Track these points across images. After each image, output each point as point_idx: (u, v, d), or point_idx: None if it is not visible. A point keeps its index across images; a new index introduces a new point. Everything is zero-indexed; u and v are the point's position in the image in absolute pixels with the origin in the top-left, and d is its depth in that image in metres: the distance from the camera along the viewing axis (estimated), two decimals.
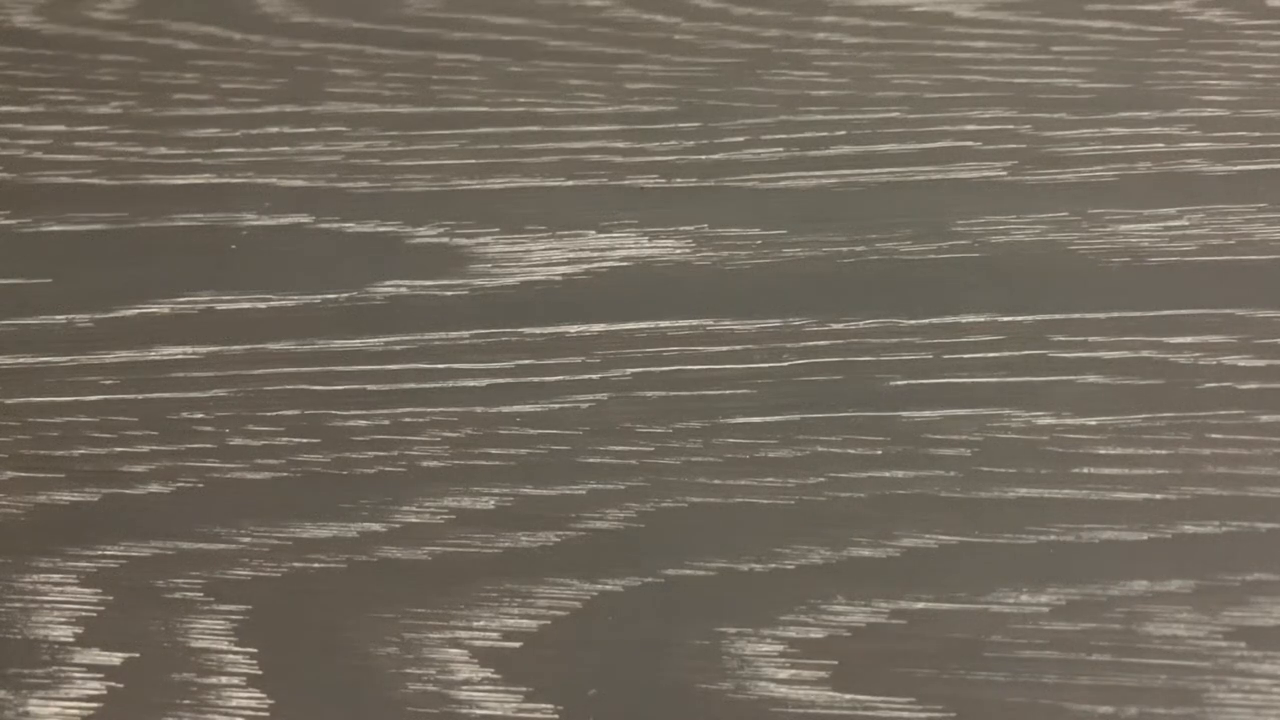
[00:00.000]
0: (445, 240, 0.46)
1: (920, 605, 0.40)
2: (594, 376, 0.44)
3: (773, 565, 0.41)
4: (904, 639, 0.40)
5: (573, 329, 0.44)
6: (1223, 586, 0.40)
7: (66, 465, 0.44)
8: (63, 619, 0.42)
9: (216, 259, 0.46)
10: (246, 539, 0.42)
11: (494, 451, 0.43)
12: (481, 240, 0.46)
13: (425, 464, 0.43)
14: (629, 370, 0.44)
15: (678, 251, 0.45)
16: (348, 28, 0.49)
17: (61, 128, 0.49)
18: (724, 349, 0.44)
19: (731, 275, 0.45)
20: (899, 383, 0.43)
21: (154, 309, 0.46)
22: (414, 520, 0.42)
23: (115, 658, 0.42)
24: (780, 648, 0.40)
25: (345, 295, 0.45)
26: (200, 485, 0.43)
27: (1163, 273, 0.43)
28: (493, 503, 0.42)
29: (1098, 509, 0.41)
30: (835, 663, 0.40)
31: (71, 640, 0.42)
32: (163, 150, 0.48)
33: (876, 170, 0.46)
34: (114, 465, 0.44)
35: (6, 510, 0.43)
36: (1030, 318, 0.43)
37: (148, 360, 0.45)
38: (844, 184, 0.46)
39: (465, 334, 0.44)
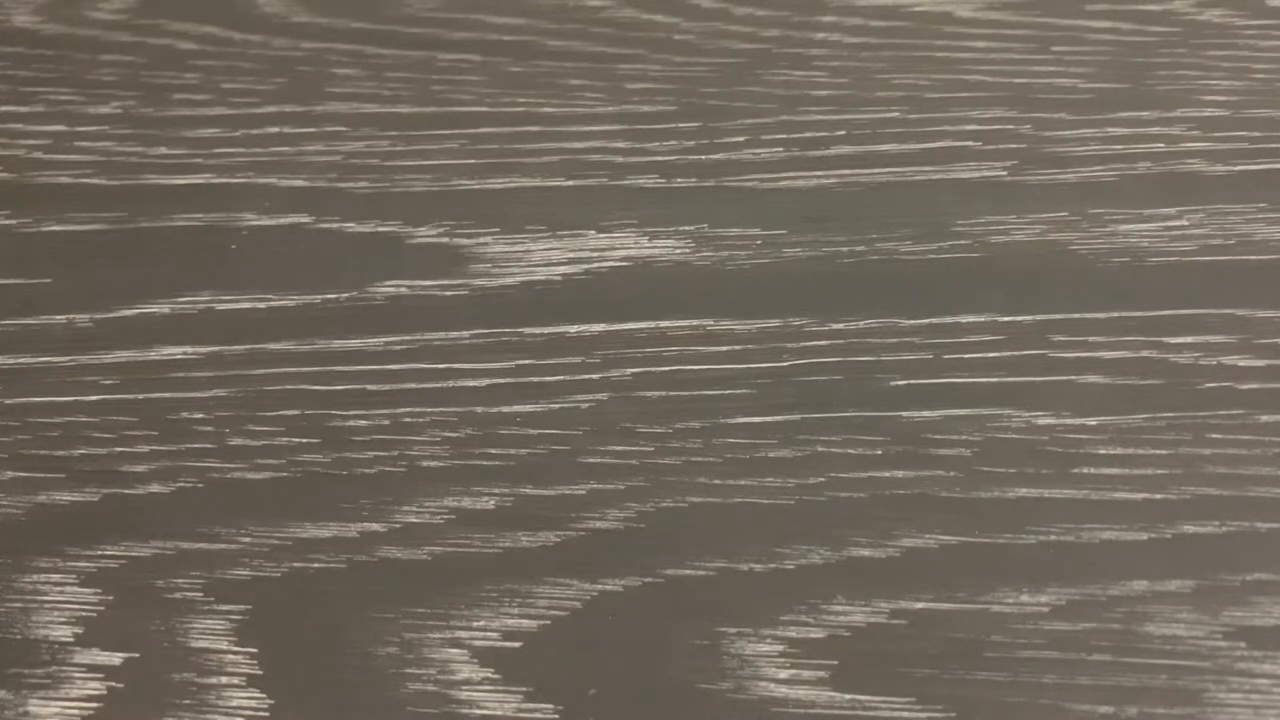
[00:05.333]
0: (445, 240, 0.46)
1: (920, 605, 0.40)
2: (594, 376, 0.44)
3: (773, 565, 0.41)
4: (904, 639, 0.40)
5: (573, 329, 0.44)
6: (1223, 586, 0.40)
7: (66, 465, 0.44)
8: (63, 619, 0.42)
9: (216, 259, 0.46)
10: (246, 539, 0.42)
11: (494, 451, 0.43)
12: (481, 240, 0.46)
13: (425, 464, 0.43)
14: (629, 370, 0.44)
15: (678, 251, 0.45)
16: (348, 28, 0.49)
17: (61, 128, 0.49)
18: (724, 349, 0.44)
19: (731, 275, 0.45)
20: (899, 383, 0.43)
21: (154, 309, 0.46)
22: (414, 520, 0.42)
23: (115, 658, 0.42)
24: (780, 648, 0.40)
25: (345, 295, 0.45)
26: (200, 485, 0.43)
27: (1163, 273, 0.43)
28: (493, 503, 0.42)
29: (1098, 509, 0.41)
30: (835, 663, 0.40)
31: (71, 640, 0.42)
32: (163, 150, 0.48)
33: (876, 170, 0.46)
34: (114, 465, 0.44)
35: (6, 510, 0.43)
36: (1030, 318, 0.43)
37: (148, 360, 0.45)
38: (844, 184, 0.46)
39: (465, 334, 0.44)
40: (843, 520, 0.41)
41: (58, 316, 0.46)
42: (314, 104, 0.48)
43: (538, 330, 0.44)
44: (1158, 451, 0.41)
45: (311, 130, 0.48)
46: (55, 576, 0.43)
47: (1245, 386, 0.42)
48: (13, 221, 0.47)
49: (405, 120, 0.48)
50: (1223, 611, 0.39)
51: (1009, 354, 0.43)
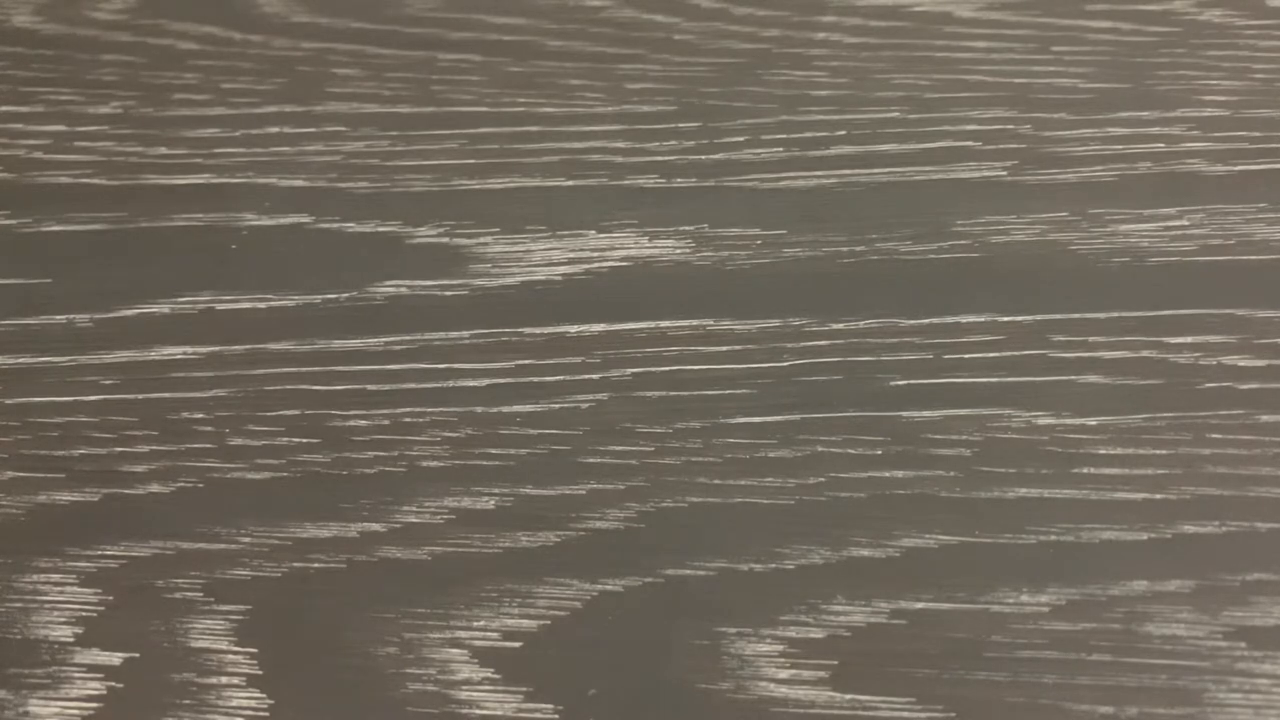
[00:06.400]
0: (445, 240, 0.46)
1: (920, 605, 0.40)
2: (594, 376, 0.44)
3: (773, 565, 0.41)
4: (904, 639, 0.40)
5: (573, 329, 0.44)
6: (1223, 586, 0.40)
7: (66, 465, 0.44)
8: (63, 619, 0.42)
9: (216, 259, 0.46)
10: (246, 539, 0.42)
11: (494, 451, 0.43)
12: (481, 240, 0.46)
13: (425, 464, 0.43)
14: (629, 370, 0.44)
15: (678, 251, 0.45)
16: (348, 28, 0.49)
17: (61, 128, 0.49)
18: (724, 349, 0.44)
19: (731, 275, 0.45)
20: (899, 383, 0.43)
21: (154, 309, 0.46)
22: (414, 520, 0.42)
23: (115, 658, 0.42)
24: (780, 648, 0.40)
25: (345, 295, 0.45)
26: (200, 485, 0.43)
27: (1163, 273, 0.43)
28: (493, 503, 0.42)
29: (1098, 509, 0.41)
30: (835, 663, 0.40)
31: (71, 640, 0.42)
32: (163, 150, 0.48)
33: (876, 170, 0.46)
34: (114, 465, 0.44)
35: (6, 510, 0.43)
36: (1030, 318, 0.43)
37: (148, 360, 0.45)
38: (844, 184, 0.46)
39: (465, 334, 0.44)
40: (843, 520, 0.41)
41: (58, 316, 0.46)
42: (314, 104, 0.48)
43: (538, 330, 0.44)
44: (1158, 451, 0.41)
45: (311, 130, 0.48)
46: (55, 576, 0.43)
47: (1245, 386, 0.42)
48: (13, 221, 0.47)
49: (405, 120, 0.48)
50: (1223, 611, 0.39)
51: (1009, 354, 0.43)
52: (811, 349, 0.43)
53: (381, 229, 0.46)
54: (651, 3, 0.49)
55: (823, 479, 0.42)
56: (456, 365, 0.44)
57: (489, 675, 0.41)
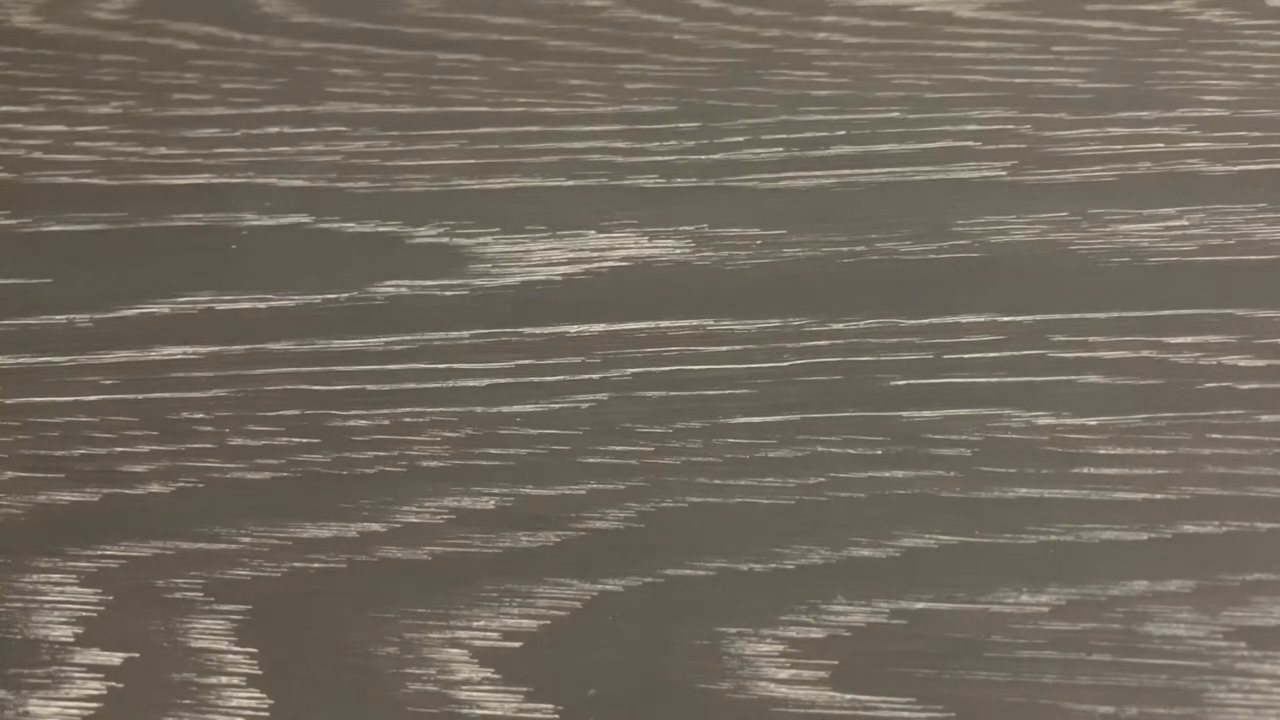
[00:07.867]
0: (445, 240, 0.46)
1: (920, 605, 0.40)
2: (594, 376, 0.44)
3: (773, 565, 0.41)
4: (904, 639, 0.40)
5: (573, 329, 0.44)
6: (1223, 586, 0.40)
7: (66, 465, 0.44)
8: (63, 619, 0.42)
9: (216, 259, 0.46)
10: (246, 539, 0.42)
11: (494, 451, 0.43)
12: (481, 240, 0.46)
13: (425, 464, 0.43)
14: (629, 370, 0.44)
15: (678, 251, 0.45)
16: (348, 28, 0.49)
17: (61, 128, 0.49)
18: (724, 349, 0.44)
19: (731, 275, 0.45)
20: (899, 383, 0.43)
21: (154, 309, 0.46)
22: (414, 520, 0.42)
23: (115, 658, 0.42)
24: (780, 648, 0.40)
25: (345, 295, 0.45)
26: (200, 485, 0.43)
27: (1163, 273, 0.43)
28: (493, 503, 0.42)
29: (1098, 509, 0.41)
30: (835, 663, 0.40)
31: (71, 640, 0.42)
32: (163, 150, 0.48)
33: (876, 170, 0.46)
34: (114, 465, 0.44)
35: (6, 510, 0.43)
36: (1030, 318, 0.43)
37: (148, 360, 0.45)
38: (844, 184, 0.46)
39: (465, 334, 0.44)
40: (843, 520, 0.41)
41: (58, 316, 0.46)
42: (314, 104, 0.48)
43: (538, 330, 0.44)
44: (1158, 451, 0.41)
45: (311, 130, 0.48)
46: (55, 576, 0.43)
47: (1245, 386, 0.42)
48: (13, 221, 0.47)
49: (405, 120, 0.48)
50: (1223, 611, 0.39)
51: (1009, 354, 0.43)
52: (811, 349, 0.43)
53: (381, 229, 0.46)
54: (651, 3, 0.49)
55: (823, 479, 0.42)
56: (456, 365, 0.44)
57: (489, 675, 0.41)
